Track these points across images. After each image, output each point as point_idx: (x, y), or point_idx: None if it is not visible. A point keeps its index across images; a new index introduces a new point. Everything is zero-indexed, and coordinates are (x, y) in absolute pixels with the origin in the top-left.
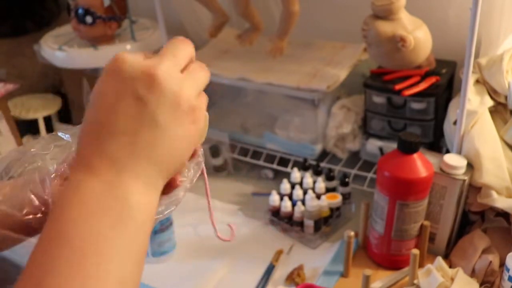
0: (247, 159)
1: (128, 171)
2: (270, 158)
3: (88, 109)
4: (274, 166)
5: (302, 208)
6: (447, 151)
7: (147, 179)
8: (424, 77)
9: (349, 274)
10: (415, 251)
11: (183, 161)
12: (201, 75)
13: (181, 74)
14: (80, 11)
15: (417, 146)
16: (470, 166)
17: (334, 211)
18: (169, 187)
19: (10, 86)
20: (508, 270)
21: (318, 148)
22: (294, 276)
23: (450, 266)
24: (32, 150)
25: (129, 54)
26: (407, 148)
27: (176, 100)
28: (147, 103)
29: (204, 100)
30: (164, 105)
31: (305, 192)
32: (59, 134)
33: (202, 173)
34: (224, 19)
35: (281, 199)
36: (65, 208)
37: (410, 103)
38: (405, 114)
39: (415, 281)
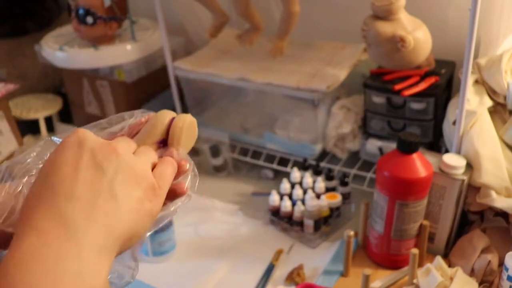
0: (247, 159)
1: (83, 236)
2: (270, 158)
3: (40, 178)
4: (274, 166)
5: (302, 207)
6: (447, 151)
7: (100, 249)
8: (424, 77)
9: (349, 273)
10: (415, 251)
11: (140, 233)
12: (150, 154)
13: (133, 155)
14: (80, 11)
15: (417, 146)
16: (469, 166)
17: (334, 211)
18: (173, 195)
19: (10, 86)
20: (507, 269)
21: (318, 148)
22: (294, 276)
23: (449, 266)
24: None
25: (88, 131)
26: (407, 148)
27: (135, 177)
28: (105, 172)
29: (166, 182)
30: (122, 177)
31: (305, 192)
32: (54, 139)
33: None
34: (224, 19)
35: (281, 199)
36: (16, 272)
37: (410, 103)
38: (405, 114)
39: (415, 281)
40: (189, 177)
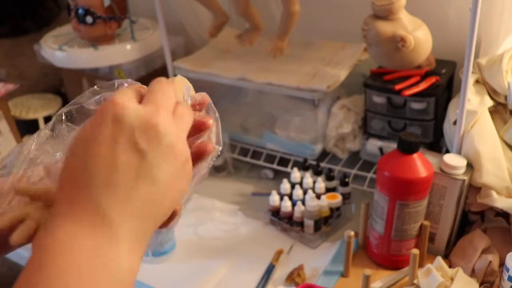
0: (247, 159)
1: (119, 226)
2: (270, 158)
3: (74, 157)
4: (274, 166)
5: (302, 208)
6: (447, 151)
7: (136, 238)
8: (424, 77)
9: (349, 274)
10: (415, 251)
11: (170, 212)
12: (188, 119)
13: (175, 123)
14: (80, 11)
15: (417, 146)
16: (470, 166)
17: (334, 211)
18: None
19: (10, 86)
20: (507, 270)
21: (318, 148)
22: (294, 276)
23: (450, 266)
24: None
25: (128, 100)
26: (407, 148)
27: (173, 154)
28: (146, 155)
29: (188, 147)
30: (162, 158)
31: (305, 192)
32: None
33: None
34: (224, 19)
35: (281, 199)
36: (51, 262)
37: (410, 103)
38: (405, 114)
39: (415, 281)
40: (213, 130)
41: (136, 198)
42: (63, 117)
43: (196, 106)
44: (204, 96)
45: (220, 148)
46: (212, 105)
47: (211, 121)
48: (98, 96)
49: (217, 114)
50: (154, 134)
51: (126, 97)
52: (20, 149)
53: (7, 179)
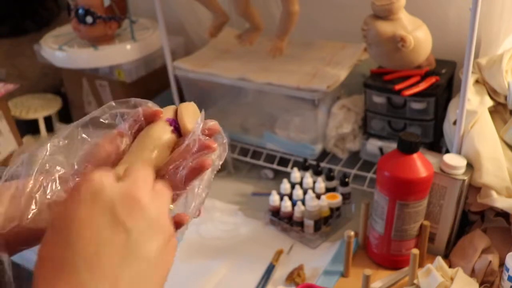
0: (247, 159)
1: None
2: (270, 158)
3: (55, 232)
4: (274, 166)
5: (302, 208)
6: (447, 151)
7: None
8: (424, 77)
9: (349, 274)
10: (415, 251)
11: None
12: (167, 196)
13: (155, 197)
14: (80, 11)
15: (417, 146)
16: (470, 166)
17: (334, 211)
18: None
19: (10, 86)
20: (507, 270)
21: (318, 148)
22: (294, 276)
23: (450, 266)
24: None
25: (105, 176)
26: (407, 148)
27: (159, 228)
28: (130, 232)
29: (171, 222)
30: (148, 234)
31: (305, 192)
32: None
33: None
34: (224, 19)
35: (281, 199)
36: None
37: (410, 103)
38: (405, 114)
39: (415, 281)
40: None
41: (123, 278)
42: (79, 129)
43: (205, 131)
44: (215, 124)
45: (219, 163)
46: (222, 133)
47: (215, 145)
48: (114, 111)
49: (225, 140)
50: (136, 207)
51: (102, 174)
52: (30, 159)
53: (23, 185)
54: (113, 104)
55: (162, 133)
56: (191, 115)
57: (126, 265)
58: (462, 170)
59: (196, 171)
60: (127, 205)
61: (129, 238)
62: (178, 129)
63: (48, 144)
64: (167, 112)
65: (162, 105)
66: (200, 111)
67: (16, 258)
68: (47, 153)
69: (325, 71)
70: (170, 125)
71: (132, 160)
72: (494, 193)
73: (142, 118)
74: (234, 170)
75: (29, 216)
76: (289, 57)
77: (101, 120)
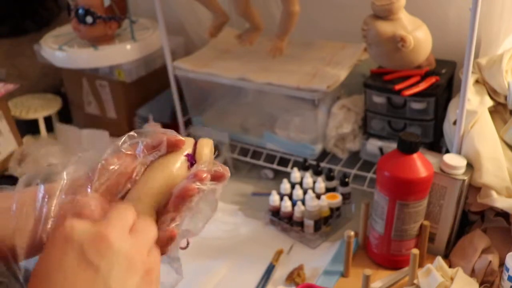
0: (247, 159)
1: None
2: (270, 158)
3: (36, 280)
4: (274, 166)
5: (302, 208)
6: (447, 151)
7: None
8: (424, 77)
9: (349, 274)
10: (415, 251)
11: None
12: (149, 233)
13: (132, 236)
14: (80, 11)
15: (417, 146)
16: (470, 166)
17: (334, 211)
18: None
19: (10, 86)
20: (507, 270)
21: (318, 148)
22: (294, 276)
23: (450, 266)
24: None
25: (78, 221)
26: (407, 148)
27: (130, 261)
28: (99, 270)
29: (157, 256)
30: (117, 270)
31: (305, 192)
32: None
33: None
34: (224, 19)
35: (281, 199)
36: None
37: (410, 103)
38: (405, 114)
39: (415, 281)
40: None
41: None
42: (102, 162)
43: (212, 171)
44: (225, 170)
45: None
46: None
47: (205, 176)
48: (134, 141)
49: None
50: (105, 247)
51: (76, 220)
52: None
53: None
54: (134, 134)
55: (180, 169)
56: (208, 154)
57: None
58: (462, 170)
59: (180, 198)
60: (94, 244)
61: (98, 275)
62: (193, 165)
63: (64, 173)
64: (186, 144)
65: (162, 105)
66: (200, 111)
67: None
68: (64, 182)
69: (325, 71)
70: (188, 160)
71: (134, 197)
72: (494, 193)
73: (165, 148)
74: (234, 170)
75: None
76: (289, 57)
77: (122, 150)
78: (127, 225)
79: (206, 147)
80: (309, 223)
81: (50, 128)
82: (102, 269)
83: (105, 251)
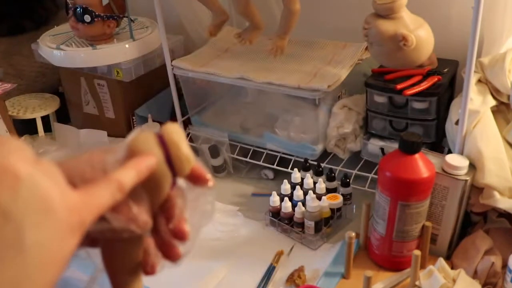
0: (247, 159)
1: None
2: (270, 158)
3: None
4: (274, 166)
5: (303, 209)
6: (449, 151)
7: None
8: (426, 76)
9: (350, 275)
10: (417, 252)
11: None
12: (56, 170)
13: (40, 167)
14: (78, 10)
15: (419, 146)
16: (472, 166)
17: (335, 212)
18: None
19: (7, 86)
20: (510, 271)
21: (319, 148)
22: (295, 278)
23: (452, 268)
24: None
25: None
26: (409, 148)
27: (49, 207)
28: (10, 214)
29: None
30: (33, 217)
31: (305, 193)
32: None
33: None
34: (224, 17)
35: (282, 199)
36: None
37: (412, 103)
38: (407, 114)
39: (417, 283)
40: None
41: (2, 278)
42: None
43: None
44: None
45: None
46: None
47: (211, 183)
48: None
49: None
50: (11, 179)
51: None
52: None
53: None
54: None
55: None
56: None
57: (7, 261)
58: (465, 171)
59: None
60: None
61: (8, 225)
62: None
63: None
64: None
65: (161, 105)
66: (200, 111)
67: None
68: None
69: (326, 71)
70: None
71: None
72: (496, 194)
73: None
74: (234, 170)
75: None
76: (290, 56)
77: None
78: (31, 157)
79: (175, 134)
80: (309, 224)
81: (48, 128)
82: (14, 214)
83: (14, 188)
